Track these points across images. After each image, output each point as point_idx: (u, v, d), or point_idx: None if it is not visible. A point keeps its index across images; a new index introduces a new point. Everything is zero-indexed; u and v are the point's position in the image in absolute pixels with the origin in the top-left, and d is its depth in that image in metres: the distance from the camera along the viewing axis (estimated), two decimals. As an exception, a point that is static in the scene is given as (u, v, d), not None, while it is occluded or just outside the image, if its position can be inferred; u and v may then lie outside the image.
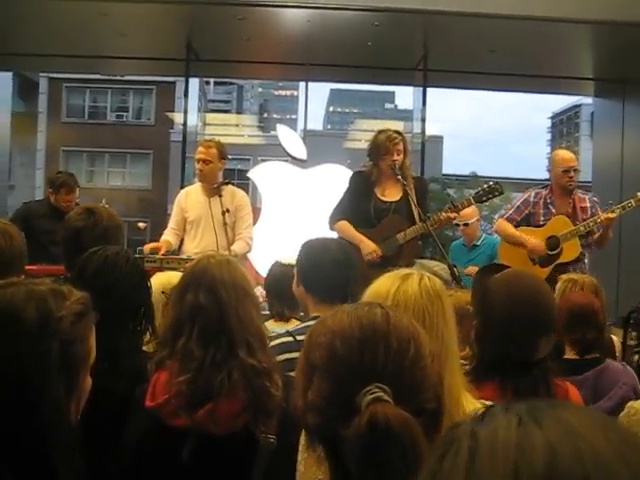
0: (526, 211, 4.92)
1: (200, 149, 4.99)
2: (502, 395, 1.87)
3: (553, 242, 4.75)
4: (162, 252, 4.51)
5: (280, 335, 2.46)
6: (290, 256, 3.35)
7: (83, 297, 1.38)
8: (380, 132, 4.53)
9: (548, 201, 4.87)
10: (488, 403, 1.67)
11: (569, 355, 2.90)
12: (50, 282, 1.40)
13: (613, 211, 4.62)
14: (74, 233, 2.91)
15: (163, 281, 2.72)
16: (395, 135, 4.45)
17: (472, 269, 5.40)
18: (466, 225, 5.98)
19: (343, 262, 2.55)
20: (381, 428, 0.96)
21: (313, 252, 2.61)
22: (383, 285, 1.63)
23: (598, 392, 2.73)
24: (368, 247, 4.30)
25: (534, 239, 4.79)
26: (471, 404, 1.59)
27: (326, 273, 2.50)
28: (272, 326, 3.16)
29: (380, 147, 4.43)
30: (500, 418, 0.58)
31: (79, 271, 2.21)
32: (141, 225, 23.85)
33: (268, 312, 3.44)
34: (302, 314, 3.06)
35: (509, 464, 0.53)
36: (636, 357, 3.41)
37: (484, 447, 0.55)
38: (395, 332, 1.10)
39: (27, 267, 2.72)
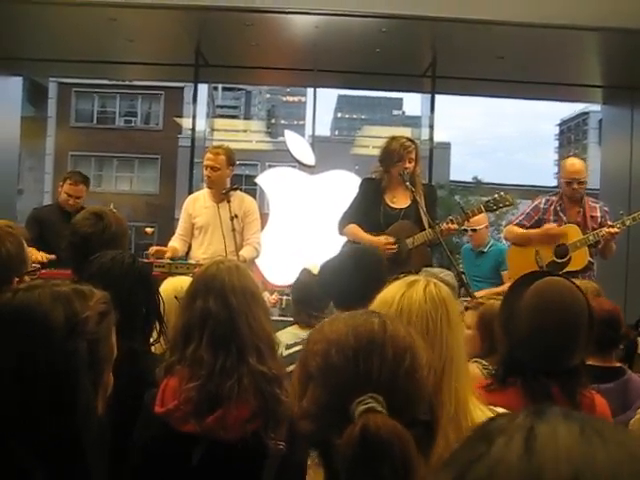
0: (536, 217, 4.90)
1: (208, 155, 4.99)
2: (522, 401, 1.88)
3: (562, 250, 4.74)
4: (167, 256, 4.53)
5: (296, 343, 2.47)
6: (316, 264, 3.37)
7: (104, 296, 1.40)
8: (393, 139, 4.52)
9: (558, 208, 4.86)
10: (497, 409, 1.67)
11: (590, 362, 2.88)
12: (70, 283, 1.42)
13: (614, 226, 4.61)
14: (82, 238, 2.91)
15: (175, 286, 2.73)
16: (409, 143, 4.45)
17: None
18: (474, 231, 5.99)
19: (352, 267, 2.55)
20: (372, 439, 0.96)
21: (329, 259, 2.63)
22: (389, 292, 1.66)
23: (626, 403, 2.71)
24: (379, 242, 4.29)
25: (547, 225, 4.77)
26: (479, 410, 1.60)
27: (336, 279, 2.51)
28: (297, 331, 3.16)
29: (393, 154, 4.43)
30: (560, 421, 0.56)
31: (78, 277, 2.22)
32: (148, 230, 23.86)
33: (292, 318, 3.45)
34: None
35: (571, 469, 0.52)
36: None
37: (545, 443, 0.54)
38: (391, 342, 1.10)
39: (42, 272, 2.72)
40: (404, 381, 1.06)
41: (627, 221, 4.61)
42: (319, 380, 1.09)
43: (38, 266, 2.72)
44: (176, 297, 2.48)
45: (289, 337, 2.65)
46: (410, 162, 4.40)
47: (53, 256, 4.32)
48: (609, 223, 4.66)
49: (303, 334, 2.98)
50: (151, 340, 2.33)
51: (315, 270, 3.27)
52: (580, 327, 2.01)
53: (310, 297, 3.21)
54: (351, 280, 2.47)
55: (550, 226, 4.78)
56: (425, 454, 1.05)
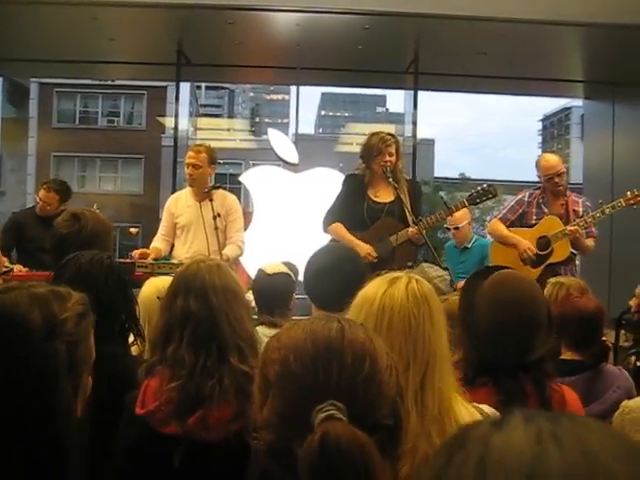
0: (520, 210, 4.94)
1: (190, 154, 4.97)
2: (494, 399, 1.86)
3: (544, 242, 4.76)
4: (151, 258, 4.50)
5: None
6: (274, 262, 3.35)
7: (82, 298, 1.40)
8: (373, 134, 4.55)
9: (541, 201, 4.90)
10: (481, 406, 1.67)
11: (566, 356, 2.89)
12: (47, 284, 1.41)
13: (573, 224, 4.66)
14: (60, 240, 2.92)
15: (158, 286, 2.71)
16: (388, 137, 4.47)
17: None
18: (456, 229, 6.00)
19: (342, 270, 2.52)
20: (332, 448, 0.94)
21: (314, 260, 2.60)
22: (371, 289, 1.63)
23: (591, 394, 2.72)
24: (362, 250, 4.29)
25: (525, 241, 4.79)
26: (463, 407, 1.58)
27: (323, 281, 2.48)
28: (264, 330, 3.14)
29: (372, 148, 4.44)
30: (518, 429, 0.55)
31: (55, 278, 2.21)
32: (133, 230, 23.74)
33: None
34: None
35: None
36: (633, 359, 3.42)
37: (496, 458, 0.53)
38: (350, 347, 1.08)
39: (16, 274, 2.70)
40: (364, 387, 1.04)
41: (607, 209, 4.64)
42: (277, 389, 1.06)
43: (10, 267, 2.71)
44: (158, 297, 2.46)
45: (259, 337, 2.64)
46: (390, 156, 4.40)
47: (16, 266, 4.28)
48: (577, 220, 4.71)
49: (270, 332, 2.95)
50: (129, 342, 2.31)
51: (271, 269, 3.25)
52: (540, 317, 2.00)
53: (267, 297, 3.19)
54: (331, 281, 2.44)
55: (524, 246, 4.78)
56: (390, 459, 1.03)
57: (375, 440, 0.98)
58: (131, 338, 2.33)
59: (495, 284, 2.03)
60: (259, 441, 1.08)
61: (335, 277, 2.46)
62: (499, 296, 1.99)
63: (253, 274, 7.49)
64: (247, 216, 6.30)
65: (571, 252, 4.78)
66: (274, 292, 3.16)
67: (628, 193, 4.64)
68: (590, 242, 4.83)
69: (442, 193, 23.86)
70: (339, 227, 4.44)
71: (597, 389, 2.74)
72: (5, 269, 2.37)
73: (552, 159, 4.97)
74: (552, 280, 3.61)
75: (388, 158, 4.39)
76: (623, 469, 0.51)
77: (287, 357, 1.07)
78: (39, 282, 1.44)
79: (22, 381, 1.23)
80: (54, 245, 2.95)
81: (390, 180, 4.34)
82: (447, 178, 29.60)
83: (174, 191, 6.76)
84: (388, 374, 1.08)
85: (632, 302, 4.55)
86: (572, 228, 4.64)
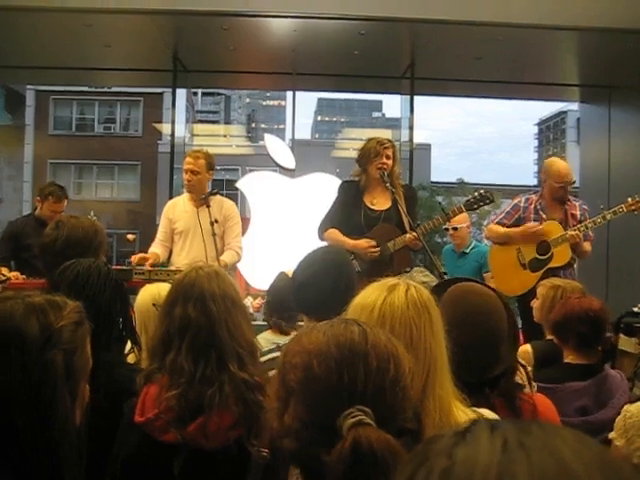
0: (516, 215, 4.92)
1: (188, 160, 4.95)
2: None
3: (544, 247, 4.75)
4: (149, 263, 4.49)
5: (270, 350, 2.41)
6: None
7: (77, 306, 1.39)
8: (369, 139, 4.55)
9: (539, 207, 4.88)
10: (480, 411, 1.65)
11: (570, 359, 2.88)
12: (43, 294, 1.41)
13: (574, 229, 4.65)
14: (42, 248, 2.96)
15: (153, 293, 2.70)
16: (385, 140, 4.48)
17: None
18: (455, 229, 5.97)
19: (327, 278, 2.46)
20: (365, 453, 0.92)
21: (302, 269, 2.56)
22: (369, 297, 1.58)
23: (601, 400, 2.71)
24: (362, 245, 4.29)
25: (530, 223, 4.78)
26: (463, 414, 1.57)
27: (312, 292, 2.43)
28: (271, 336, 3.12)
29: (370, 151, 4.43)
30: (483, 439, 0.52)
31: (53, 287, 2.20)
32: (130, 237, 23.73)
33: (264, 323, 3.41)
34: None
35: None
36: None
37: (460, 471, 0.50)
38: (374, 351, 1.06)
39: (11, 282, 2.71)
40: (390, 391, 1.03)
41: (608, 215, 4.63)
42: (301, 394, 1.04)
43: (7, 277, 2.72)
44: (154, 304, 2.45)
45: (264, 343, 2.60)
46: (387, 158, 4.39)
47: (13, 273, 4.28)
48: (578, 225, 4.70)
49: (277, 339, 2.93)
50: (125, 350, 2.30)
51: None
52: (501, 329, 1.96)
53: (284, 302, 3.16)
54: (317, 293, 2.39)
55: (531, 224, 4.79)
56: None
57: (401, 444, 0.96)
58: (127, 346, 2.31)
59: (453, 300, 1.97)
60: (281, 449, 1.06)
61: (322, 287, 2.39)
62: (457, 312, 1.92)
63: (250, 280, 7.51)
64: (244, 222, 6.29)
65: (571, 257, 4.76)
66: (289, 296, 3.13)
67: (629, 199, 4.63)
68: (587, 246, 4.82)
69: (439, 198, 23.87)
70: (335, 232, 4.42)
71: (605, 394, 2.73)
72: (2, 278, 2.37)
73: (565, 168, 4.88)
74: (547, 283, 3.59)
75: (385, 160, 4.38)
76: (595, 476, 0.49)
77: (310, 361, 1.05)
78: (34, 291, 1.43)
79: (20, 390, 1.23)
80: (40, 253, 3.00)
81: (387, 185, 4.33)
82: (443, 183, 29.63)
83: (171, 197, 6.75)
84: (410, 377, 1.07)
85: None
86: (573, 233, 4.63)
